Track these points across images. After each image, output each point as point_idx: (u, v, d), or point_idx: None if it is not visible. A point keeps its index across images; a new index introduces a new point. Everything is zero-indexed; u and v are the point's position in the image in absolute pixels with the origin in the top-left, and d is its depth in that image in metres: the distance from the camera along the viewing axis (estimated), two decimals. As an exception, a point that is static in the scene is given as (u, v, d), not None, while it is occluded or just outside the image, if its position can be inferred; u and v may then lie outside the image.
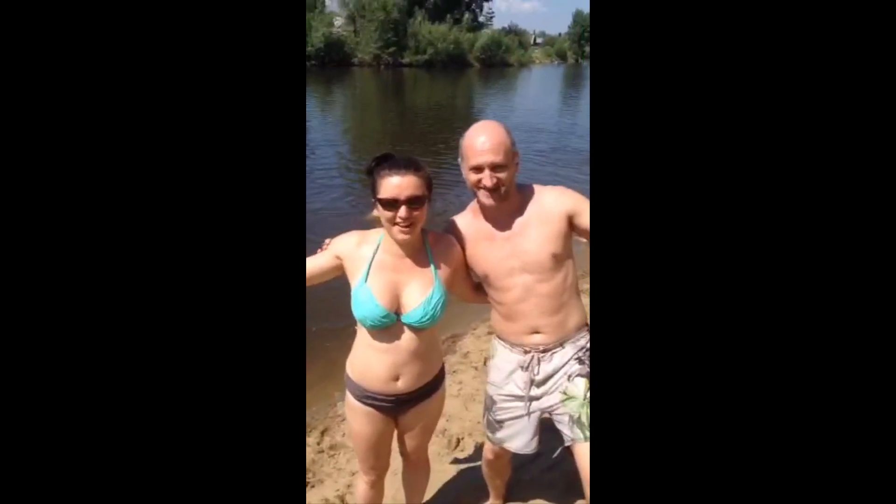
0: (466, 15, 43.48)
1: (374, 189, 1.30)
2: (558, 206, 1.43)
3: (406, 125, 12.90)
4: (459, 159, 1.45)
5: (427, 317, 1.32)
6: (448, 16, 39.82)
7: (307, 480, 2.19)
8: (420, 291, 1.34)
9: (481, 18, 47.20)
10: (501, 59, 42.50)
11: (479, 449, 2.30)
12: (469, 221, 1.49)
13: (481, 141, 1.37)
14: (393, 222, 1.27)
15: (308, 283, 1.38)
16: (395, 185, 1.25)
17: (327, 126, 12.20)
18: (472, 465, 2.22)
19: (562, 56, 65.80)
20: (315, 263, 1.40)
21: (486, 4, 48.41)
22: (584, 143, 11.11)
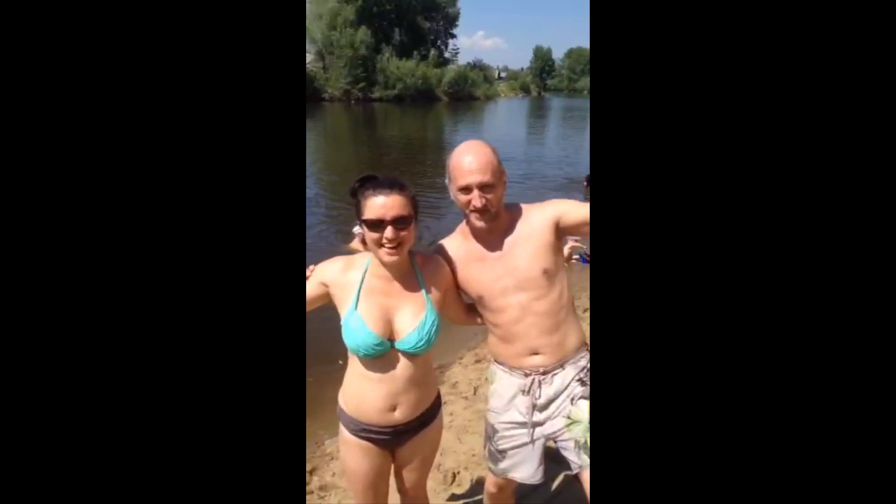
0: (432, 51, 44.69)
1: (358, 211, 1.27)
2: (543, 217, 1.43)
3: (379, 157, 12.98)
4: (447, 180, 1.43)
5: (422, 342, 1.28)
6: (415, 52, 40.83)
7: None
8: (413, 315, 1.30)
9: (447, 54, 48.61)
10: (468, 92, 43.64)
11: (476, 483, 2.22)
12: (459, 244, 1.47)
13: (468, 161, 1.36)
14: (379, 244, 1.24)
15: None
16: (380, 205, 1.22)
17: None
18: (471, 500, 2.14)
19: (525, 89, 68.10)
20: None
21: (450, 41, 49.96)
22: (554, 171, 11.41)
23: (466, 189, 1.36)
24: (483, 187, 1.35)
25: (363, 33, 34.78)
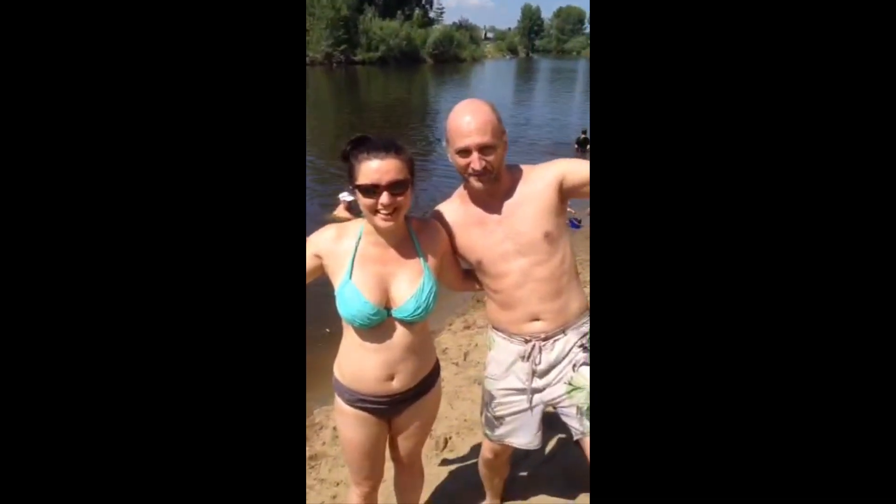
0: (417, 11, 43.33)
1: (351, 175, 1.18)
2: (546, 177, 1.35)
3: (363, 122, 12.69)
4: (444, 143, 1.34)
5: (420, 309, 1.22)
6: (398, 12, 39.53)
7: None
8: (409, 282, 1.24)
9: (432, 14, 47.22)
10: (454, 54, 42.61)
11: (468, 448, 2.21)
12: (457, 208, 1.39)
13: (466, 121, 1.26)
14: (374, 210, 1.16)
15: None
16: (374, 169, 1.14)
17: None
18: (463, 464, 2.13)
19: (513, 50, 66.61)
20: None
21: (435, 0, 48.42)
22: (543, 133, 11.26)
23: (465, 151, 1.27)
24: (483, 149, 1.26)
25: (344, -8, 33.53)
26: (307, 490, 2.08)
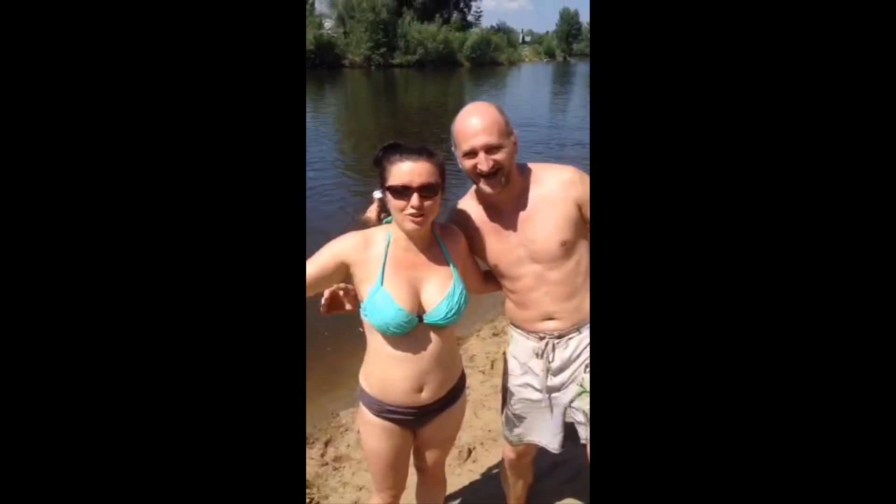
0: (455, 14, 43.48)
1: (382, 178, 1.19)
2: (566, 191, 1.33)
3: (399, 124, 12.79)
4: (453, 147, 1.33)
5: (452, 312, 1.22)
6: (437, 16, 39.73)
7: (312, 497, 2.05)
8: (440, 287, 1.23)
9: (470, 17, 47.24)
10: (491, 57, 42.45)
11: (492, 459, 2.18)
12: (473, 208, 1.39)
13: (472, 123, 1.26)
14: (404, 212, 1.16)
15: (309, 293, 1.24)
16: (406, 171, 1.15)
17: (320, 126, 12.08)
18: (486, 476, 2.10)
19: (550, 54, 65.91)
20: (316, 269, 1.22)
21: (473, 3, 48.47)
22: (576, 136, 11.14)
23: (471, 153, 1.26)
24: (489, 149, 1.24)
25: (384, -4, 33.93)
26: (331, 493, 2.09)
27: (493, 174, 1.26)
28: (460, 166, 1.32)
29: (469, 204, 1.41)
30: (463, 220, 1.39)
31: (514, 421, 1.51)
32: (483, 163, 1.24)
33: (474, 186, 1.38)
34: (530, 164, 1.38)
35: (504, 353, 1.54)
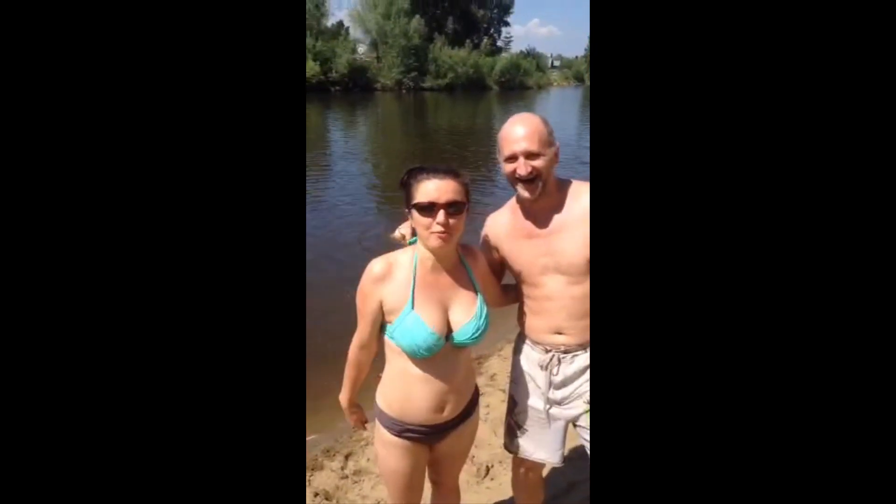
0: (485, 40, 44.19)
1: (408, 197, 1.22)
2: None
3: (429, 145, 13.01)
4: (498, 155, 1.40)
5: (479, 332, 1.25)
6: (467, 41, 40.51)
7: (331, 509, 2.09)
8: (466, 306, 1.26)
9: (500, 43, 47.97)
10: (520, 81, 42.93)
11: (510, 477, 2.17)
12: (507, 218, 1.44)
13: (516, 130, 1.33)
14: (430, 229, 1.18)
15: (373, 349, 1.33)
16: (433, 189, 1.18)
17: (350, 146, 12.38)
18: (503, 494, 2.10)
19: (579, 78, 66.05)
20: (368, 326, 1.28)
21: (503, 29, 49.24)
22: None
23: (512, 158, 1.33)
24: (529, 155, 1.30)
25: (417, 22, 34.84)
26: (349, 504, 2.12)
27: (530, 179, 1.31)
28: (503, 171, 1.39)
29: (503, 212, 1.46)
30: (494, 225, 1.44)
31: (515, 431, 1.53)
32: (521, 167, 1.30)
33: (513, 197, 1.43)
34: (573, 180, 1.43)
35: (512, 362, 1.57)
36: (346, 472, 2.32)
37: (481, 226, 1.52)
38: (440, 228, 1.17)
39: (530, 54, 52.69)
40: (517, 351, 1.53)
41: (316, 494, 2.18)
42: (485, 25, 45.89)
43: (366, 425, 1.40)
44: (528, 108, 25.84)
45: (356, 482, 2.26)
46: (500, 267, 1.49)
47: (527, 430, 1.51)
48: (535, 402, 1.48)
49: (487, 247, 1.47)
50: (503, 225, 1.44)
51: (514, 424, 1.53)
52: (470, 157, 10.47)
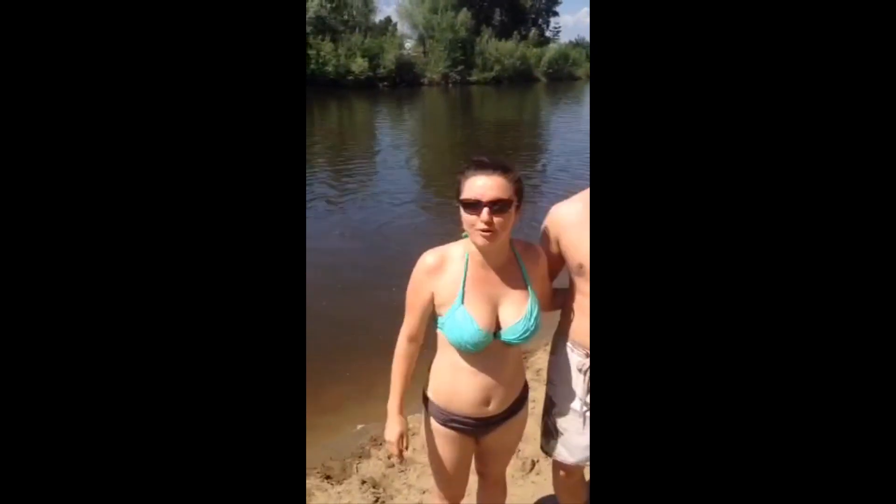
0: (533, 30, 43.44)
1: (458, 191, 1.22)
2: None
3: (474, 138, 12.98)
4: None
5: (528, 331, 1.24)
6: (514, 32, 39.95)
7: (378, 496, 2.14)
8: (517, 305, 1.25)
9: (548, 33, 47.01)
10: (569, 72, 41.94)
11: (556, 473, 2.16)
12: (578, 208, 1.37)
13: None
14: (474, 226, 1.18)
15: (420, 340, 1.34)
16: (479, 186, 1.17)
17: (397, 140, 12.53)
18: (548, 489, 2.08)
19: (632, 67, 63.75)
20: (417, 318, 1.30)
21: (552, 19, 48.22)
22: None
23: None
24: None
25: (464, 15, 34.67)
26: (396, 494, 2.16)
27: None
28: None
29: (573, 202, 1.40)
30: (564, 214, 1.38)
31: (552, 432, 1.51)
32: None
33: (587, 189, 1.39)
34: None
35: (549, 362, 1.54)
36: (393, 461, 2.36)
37: (527, 229, 1.48)
38: (483, 226, 1.16)
39: (580, 44, 51.34)
40: (555, 352, 1.50)
41: (363, 482, 2.24)
42: (533, 16, 45.06)
43: (403, 456, 1.40)
44: (576, 100, 25.22)
45: (402, 471, 2.30)
46: (555, 263, 1.44)
47: (562, 434, 1.49)
48: (574, 404, 1.46)
49: (546, 239, 1.42)
50: (572, 214, 1.37)
51: (551, 426, 1.51)
52: (518, 151, 10.36)
